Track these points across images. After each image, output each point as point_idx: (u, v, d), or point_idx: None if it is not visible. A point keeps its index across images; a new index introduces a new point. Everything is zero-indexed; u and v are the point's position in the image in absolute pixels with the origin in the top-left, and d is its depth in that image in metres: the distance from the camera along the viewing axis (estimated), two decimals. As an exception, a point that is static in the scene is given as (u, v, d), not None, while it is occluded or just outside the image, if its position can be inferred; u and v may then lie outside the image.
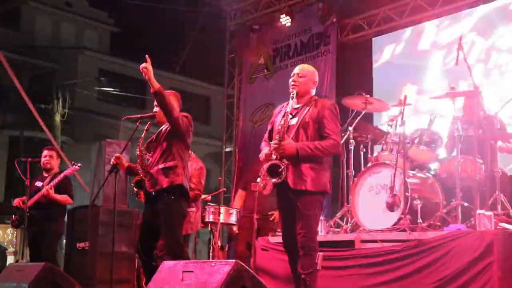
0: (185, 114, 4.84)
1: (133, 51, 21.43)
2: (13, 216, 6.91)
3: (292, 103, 4.39)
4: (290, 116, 4.34)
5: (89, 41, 22.83)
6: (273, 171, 4.17)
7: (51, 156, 6.96)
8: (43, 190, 6.66)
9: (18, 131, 19.09)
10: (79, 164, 6.96)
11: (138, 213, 6.81)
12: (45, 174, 6.95)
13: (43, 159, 6.96)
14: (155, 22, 18.75)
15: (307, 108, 4.34)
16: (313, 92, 4.48)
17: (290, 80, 4.43)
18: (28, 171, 6.68)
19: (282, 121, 4.31)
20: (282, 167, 4.14)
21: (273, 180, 4.16)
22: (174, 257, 4.42)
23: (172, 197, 4.70)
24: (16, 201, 6.88)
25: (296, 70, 4.47)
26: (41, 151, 7.15)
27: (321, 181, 4.25)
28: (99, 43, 23.22)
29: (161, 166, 4.75)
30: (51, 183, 6.70)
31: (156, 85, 4.59)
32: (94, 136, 18.19)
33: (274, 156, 4.18)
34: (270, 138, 4.43)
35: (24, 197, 6.74)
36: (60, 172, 6.96)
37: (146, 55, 4.64)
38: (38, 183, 6.85)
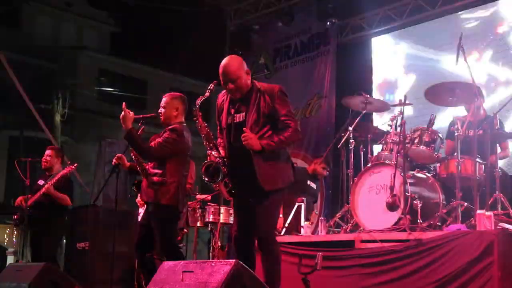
0: (172, 138, 4.76)
1: (133, 51, 21.46)
2: (15, 215, 6.90)
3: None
4: (234, 111, 4.12)
5: (89, 41, 22.80)
6: (209, 171, 4.05)
7: (50, 155, 6.96)
8: (43, 188, 6.67)
9: (18, 131, 19.09)
10: (75, 164, 6.97)
11: (138, 214, 6.82)
12: (48, 174, 6.96)
13: (43, 160, 6.97)
14: (155, 22, 18.74)
15: (252, 100, 4.06)
16: (249, 81, 4.11)
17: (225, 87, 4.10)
18: (28, 171, 6.69)
19: (229, 119, 4.12)
20: (214, 165, 4.01)
21: (210, 182, 4.05)
22: (171, 259, 4.45)
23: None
24: (18, 200, 6.87)
25: (221, 71, 4.09)
26: (41, 151, 7.15)
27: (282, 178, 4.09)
28: (99, 43, 23.20)
29: (150, 179, 4.77)
30: (50, 181, 6.71)
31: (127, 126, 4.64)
32: (94, 136, 18.19)
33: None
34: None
35: (26, 196, 6.73)
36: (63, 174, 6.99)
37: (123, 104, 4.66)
38: (41, 182, 6.86)
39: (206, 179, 4.06)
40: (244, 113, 4.07)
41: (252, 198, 4.04)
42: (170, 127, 4.83)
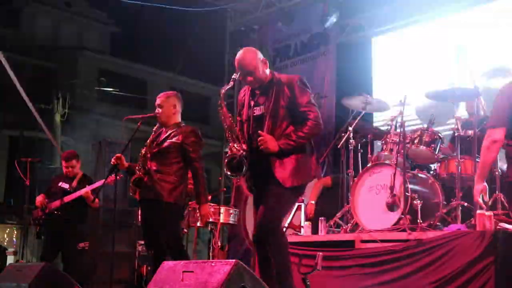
0: (198, 152, 4.84)
1: (133, 51, 21.47)
2: (34, 214, 6.70)
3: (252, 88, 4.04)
4: (253, 104, 4.01)
5: (89, 41, 22.82)
6: (231, 165, 3.84)
7: (73, 166, 6.80)
8: (82, 191, 6.54)
9: (18, 131, 19.10)
10: (120, 175, 6.82)
11: (138, 214, 6.81)
12: (67, 176, 6.85)
13: (65, 169, 6.81)
14: (155, 22, 18.73)
15: (271, 92, 3.95)
16: (267, 70, 4.07)
17: (238, 76, 3.98)
18: (28, 171, 6.65)
19: (249, 112, 4.00)
20: (238, 158, 3.80)
21: (233, 175, 3.84)
22: (175, 256, 4.45)
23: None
24: (41, 201, 6.66)
25: (237, 65, 4.01)
26: (41, 151, 7.12)
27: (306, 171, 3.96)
28: (99, 43, 23.21)
29: (155, 177, 4.77)
30: (90, 186, 6.59)
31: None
32: (94, 136, 18.19)
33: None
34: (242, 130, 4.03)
35: (42, 198, 6.60)
36: (84, 174, 6.89)
37: None
38: (64, 185, 6.76)
39: (228, 172, 3.87)
40: (263, 106, 3.96)
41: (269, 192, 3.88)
42: (187, 129, 4.84)
